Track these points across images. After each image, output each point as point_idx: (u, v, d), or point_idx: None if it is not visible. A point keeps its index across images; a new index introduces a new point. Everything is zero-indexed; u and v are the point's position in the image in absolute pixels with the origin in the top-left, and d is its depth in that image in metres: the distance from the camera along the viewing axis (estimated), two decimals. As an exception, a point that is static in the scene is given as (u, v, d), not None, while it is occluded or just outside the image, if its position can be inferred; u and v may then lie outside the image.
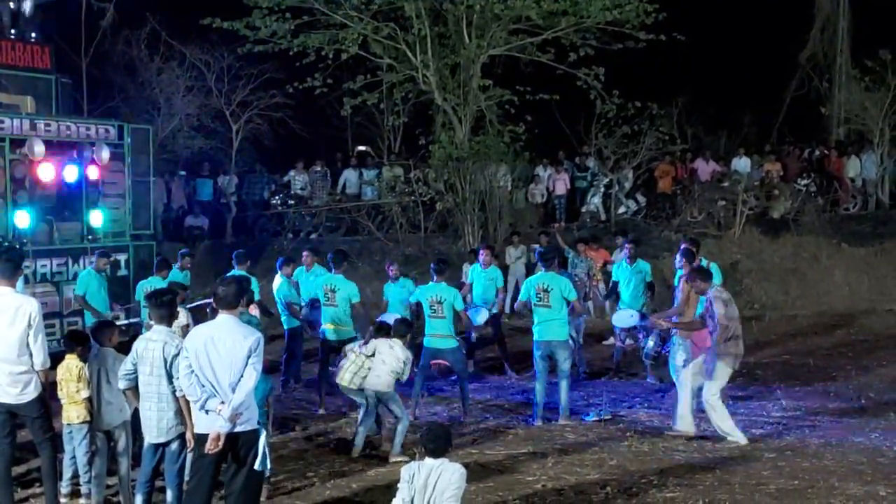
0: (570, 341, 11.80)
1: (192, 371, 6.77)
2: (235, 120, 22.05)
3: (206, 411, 6.77)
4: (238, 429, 6.78)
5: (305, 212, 21.88)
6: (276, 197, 22.50)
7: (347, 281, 11.76)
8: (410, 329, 10.22)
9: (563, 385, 11.03)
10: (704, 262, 12.43)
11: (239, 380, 6.74)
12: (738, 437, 9.93)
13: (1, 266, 7.92)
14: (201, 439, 6.84)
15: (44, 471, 8.25)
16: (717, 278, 12.38)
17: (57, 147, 13.77)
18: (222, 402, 6.71)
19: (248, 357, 6.77)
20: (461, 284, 14.47)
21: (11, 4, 15.47)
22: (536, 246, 15.36)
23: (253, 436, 6.89)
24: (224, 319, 6.92)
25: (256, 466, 6.87)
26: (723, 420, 10.00)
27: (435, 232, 21.13)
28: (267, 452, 6.93)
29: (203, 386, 6.75)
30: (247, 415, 6.85)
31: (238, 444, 6.84)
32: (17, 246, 12.34)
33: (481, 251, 14.20)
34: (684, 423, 10.17)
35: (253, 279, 11.68)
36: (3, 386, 7.85)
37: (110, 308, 12.84)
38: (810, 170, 22.23)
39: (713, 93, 25.06)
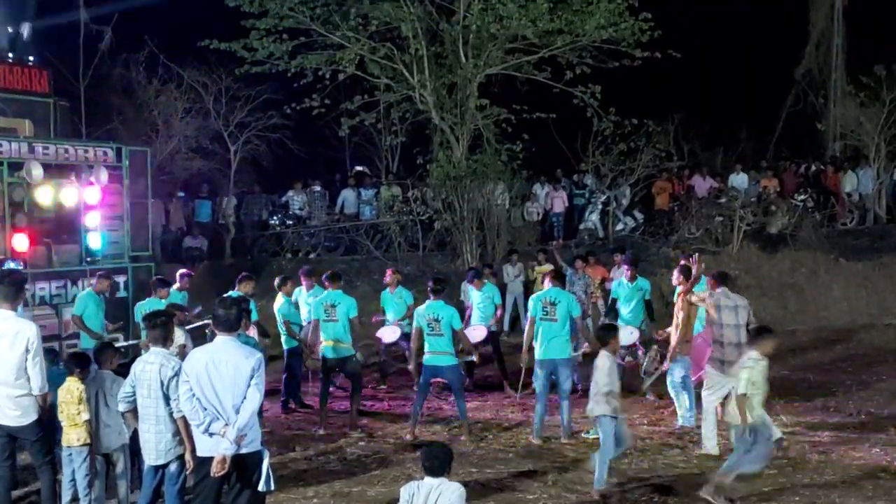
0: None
1: (193, 395, 6.77)
2: (233, 141, 22.10)
3: (210, 434, 6.76)
4: (243, 451, 6.78)
5: (304, 232, 21.91)
6: (275, 217, 22.54)
7: (346, 296, 11.84)
8: (614, 333, 9.60)
9: (565, 405, 11.04)
10: (704, 279, 12.49)
11: (242, 401, 6.75)
12: (709, 446, 10.11)
13: (3, 290, 7.95)
14: (204, 462, 6.84)
15: (43, 494, 8.26)
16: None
17: (55, 170, 13.80)
18: (226, 425, 6.70)
19: (251, 377, 6.77)
20: (461, 303, 14.51)
21: (10, 28, 15.54)
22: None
23: (257, 457, 6.88)
24: (224, 341, 6.92)
25: (260, 488, 6.86)
26: (705, 425, 10.22)
27: (433, 251, 21.15)
28: (271, 473, 6.92)
29: (205, 409, 6.75)
30: (251, 436, 6.85)
31: (242, 466, 6.84)
32: (19, 269, 12.35)
33: (472, 279, 14.26)
34: (709, 443, 10.25)
35: (251, 300, 11.71)
36: (2, 409, 7.87)
37: (105, 331, 12.83)
38: (807, 185, 22.29)
39: (709, 109, 25.16)
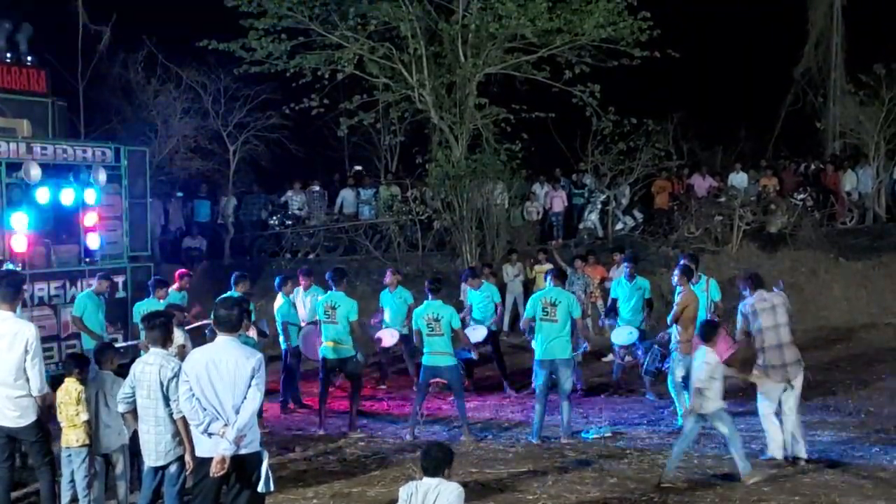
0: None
1: (193, 395, 6.74)
2: (232, 141, 22.07)
3: (209, 434, 6.74)
4: (242, 451, 6.75)
5: (303, 232, 21.88)
6: (274, 217, 22.51)
7: (348, 298, 11.79)
8: (717, 330, 9.50)
9: (565, 405, 11.01)
10: (703, 278, 12.50)
11: (242, 401, 6.73)
12: (776, 454, 9.73)
13: (2, 290, 7.93)
14: (203, 463, 6.82)
15: (43, 495, 8.24)
16: (715, 294, 12.45)
17: (53, 170, 13.77)
18: (225, 425, 6.68)
19: (252, 378, 6.74)
20: (460, 303, 14.49)
21: (7, 27, 15.50)
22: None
23: (256, 458, 6.86)
24: (224, 341, 6.89)
25: (260, 489, 6.83)
26: (772, 431, 9.81)
27: (433, 250, 21.12)
28: (270, 474, 6.90)
29: (205, 409, 6.72)
30: (250, 436, 6.81)
31: (242, 467, 6.81)
32: (18, 270, 12.32)
33: (466, 278, 14.26)
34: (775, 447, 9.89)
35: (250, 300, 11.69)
36: (1, 410, 7.86)
37: (105, 331, 12.79)
38: (806, 184, 22.26)
39: (709, 108, 25.15)
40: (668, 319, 11.63)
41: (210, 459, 6.71)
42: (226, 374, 6.73)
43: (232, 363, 6.75)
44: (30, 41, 15.68)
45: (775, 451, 9.74)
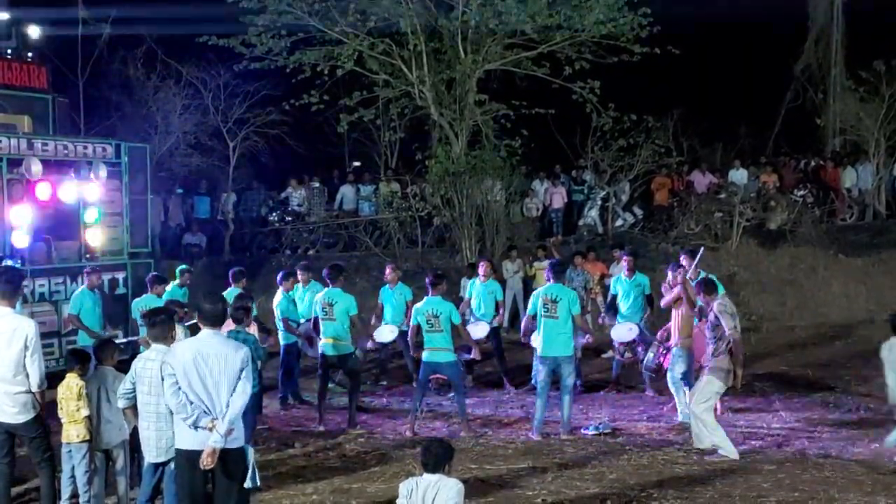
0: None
1: (179, 388, 6.69)
2: (232, 137, 22.08)
3: (196, 428, 6.68)
4: (228, 445, 6.73)
5: (303, 228, 21.89)
6: (274, 213, 22.52)
7: (345, 294, 11.75)
8: None
9: (566, 400, 11.01)
10: (703, 275, 12.49)
11: (232, 394, 6.73)
12: (729, 449, 9.84)
13: (1, 287, 7.93)
14: (188, 456, 6.77)
15: (43, 491, 8.26)
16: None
17: (54, 166, 13.79)
18: (214, 419, 6.67)
19: (241, 371, 6.73)
20: (460, 299, 14.47)
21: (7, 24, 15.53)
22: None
23: (240, 453, 6.84)
24: (208, 335, 6.84)
25: (246, 484, 6.81)
26: (713, 432, 9.94)
27: (432, 247, 21.14)
28: (255, 469, 6.90)
29: (192, 403, 6.68)
30: (235, 431, 6.80)
31: (228, 461, 6.78)
32: (17, 266, 12.33)
33: (480, 264, 14.22)
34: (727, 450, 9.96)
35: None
36: (1, 406, 7.87)
37: (104, 328, 12.79)
38: (806, 181, 22.27)
39: (708, 105, 25.13)
40: (661, 304, 11.67)
41: (193, 452, 6.67)
42: (216, 369, 6.69)
43: (221, 357, 6.72)
44: (31, 39, 15.71)
45: (731, 451, 9.85)
